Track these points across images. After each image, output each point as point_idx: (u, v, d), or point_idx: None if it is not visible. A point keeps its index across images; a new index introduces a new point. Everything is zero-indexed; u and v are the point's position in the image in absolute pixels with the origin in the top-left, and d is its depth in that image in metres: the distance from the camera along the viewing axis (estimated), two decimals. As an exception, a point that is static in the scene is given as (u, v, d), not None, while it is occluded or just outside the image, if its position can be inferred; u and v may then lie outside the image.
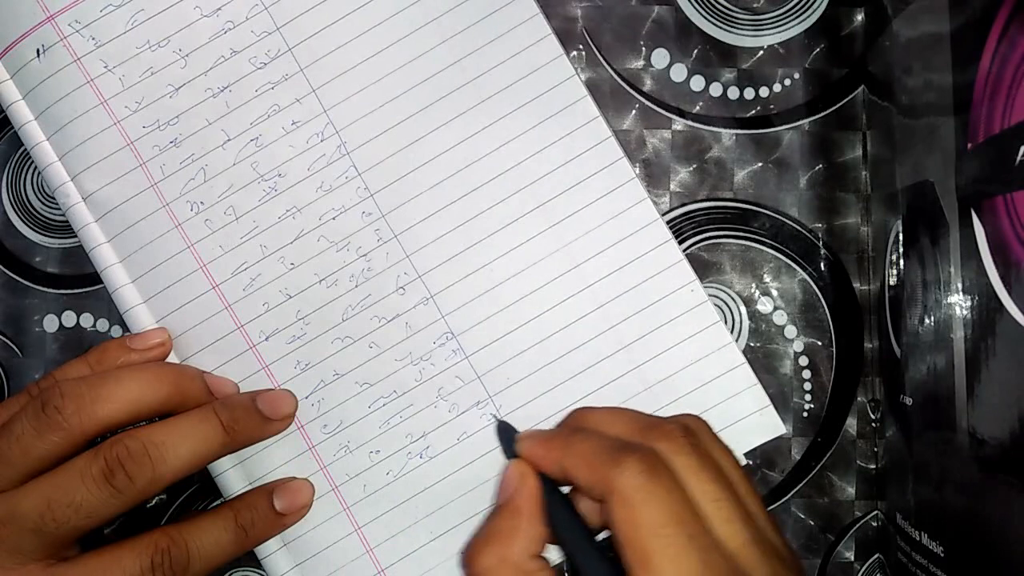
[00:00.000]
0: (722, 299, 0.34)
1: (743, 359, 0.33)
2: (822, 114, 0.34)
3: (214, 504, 0.34)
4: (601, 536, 0.28)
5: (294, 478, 0.33)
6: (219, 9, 0.32)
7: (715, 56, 0.34)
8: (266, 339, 0.33)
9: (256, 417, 0.31)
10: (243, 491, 0.32)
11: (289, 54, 0.32)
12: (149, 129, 0.32)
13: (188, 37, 0.32)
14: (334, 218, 0.32)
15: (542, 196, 0.32)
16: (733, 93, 0.34)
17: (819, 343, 0.34)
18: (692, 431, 0.27)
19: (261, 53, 0.32)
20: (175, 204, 0.32)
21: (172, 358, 0.33)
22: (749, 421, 0.33)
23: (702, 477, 0.25)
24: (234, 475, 0.33)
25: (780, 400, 0.34)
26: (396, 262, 0.33)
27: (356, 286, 0.33)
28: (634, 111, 0.34)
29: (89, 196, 0.32)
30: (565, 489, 0.28)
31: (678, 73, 0.34)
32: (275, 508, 0.31)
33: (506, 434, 0.31)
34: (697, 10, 0.34)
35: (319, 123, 0.32)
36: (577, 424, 0.29)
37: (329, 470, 0.33)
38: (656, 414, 0.32)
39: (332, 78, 0.32)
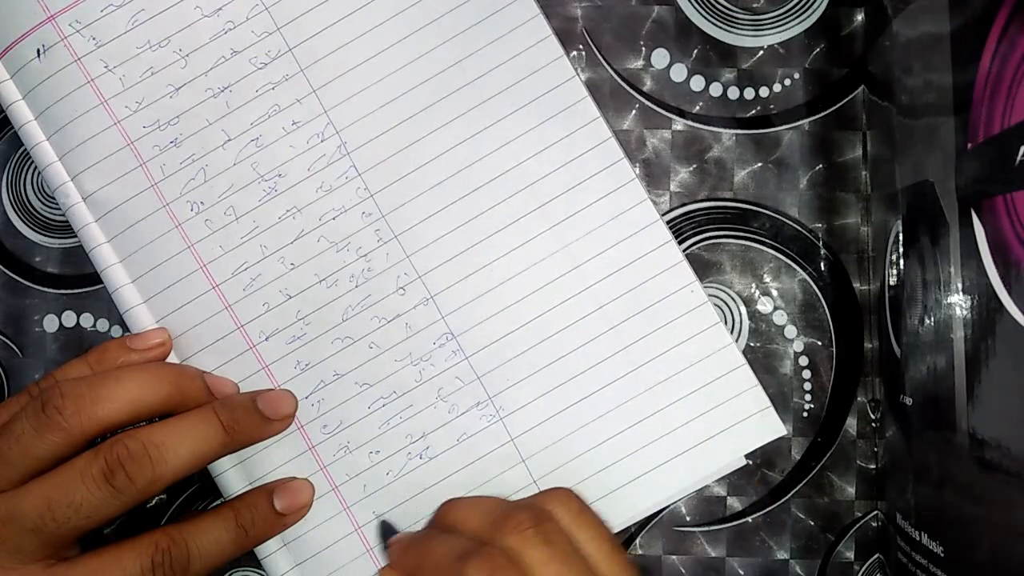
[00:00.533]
0: (722, 299, 0.34)
1: (743, 360, 0.33)
2: (822, 114, 0.34)
3: (214, 504, 0.34)
4: None
5: (294, 478, 0.33)
6: (219, 9, 0.32)
7: (715, 56, 0.34)
8: (266, 339, 0.33)
9: (256, 417, 0.31)
10: (243, 491, 0.32)
11: (289, 54, 0.32)
12: (149, 129, 0.32)
13: (188, 37, 0.32)
14: (334, 218, 0.32)
15: (542, 197, 0.32)
16: (733, 93, 0.34)
17: (819, 343, 0.34)
18: (546, 516, 0.27)
19: (261, 53, 0.32)
20: (175, 204, 0.32)
21: (172, 358, 0.33)
22: (750, 422, 0.33)
23: (550, 571, 0.25)
24: (234, 475, 0.33)
25: (780, 400, 0.34)
26: (396, 262, 0.33)
27: (356, 286, 0.33)
28: (634, 111, 0.34)
29: (89, 196, 0.32)
30: None
31: (678, 73, 0.34)
32: (275, 508, 0.31)
33: (384, 537, 0.32)
34: (697, 10, 0.34)
35: (319, 123, 0.32)
36: (441, 521, 0.30)
37: (329, 470, 0.33)
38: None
39: (332, 79, 0.32)
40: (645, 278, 0.32)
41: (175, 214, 0.32)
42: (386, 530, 0.32)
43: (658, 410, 0.32)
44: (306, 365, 0.33)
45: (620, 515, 0.33)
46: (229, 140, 0.32)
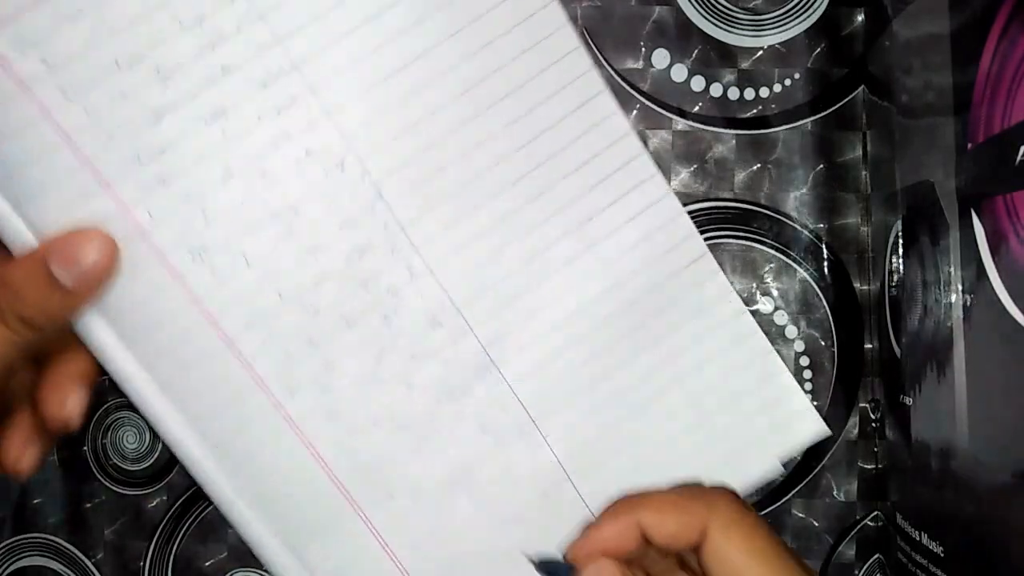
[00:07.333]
0: (722, 299, 0.34)
1: (784, 367, 0.32)
2: (822, 114, 0.34)
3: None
4: None
5: (80, 230, 0.26)
6: (202, 19, 0.26)
7: (715, 56, 0.34)
8: (291, 395, 0.29)
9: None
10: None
11: (294, 72, 0.27)
12: (127, 166, 0.26)
13: (166, 54, 0.26)
14: (360, 256, 0.29)
15: (579, 217, 0.30)
16: (733, 93, 0.34)
17: (820, 343, 0.34)
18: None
19: (259, 71, 0.27)
20: (172, 253, 0.27)
21: (182, 424, 0.29)
22: (790, 428, 0.32)
23: (760, 520, 0.26)
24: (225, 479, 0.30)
25: (780, 400, 0.34)
26: (429, 296, 0.30)
27: (388, 326, 0.30)
28: (634, 111, 0.34)
29: None
30: None
31: (678, 73, 0.34)
32: (55, 279, 0.24)
33: (555, 565, 0.27)
34: (697, 10, 0.34)
35: (336, 151, 0.28)
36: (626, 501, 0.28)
37: (371, 520, 0.31)
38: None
39: (345, 99, 0.28)
40: (682, 288, 0.31)
41: (172, 264, 0.27)
42: (546, 562, 0.28)
43: (700, 420, 0.32)
44: (338, 414, 0.30)
45: None
46: (231, 176, 0.27)
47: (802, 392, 0.32)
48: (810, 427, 0.32)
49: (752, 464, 0.32)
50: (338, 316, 0.29)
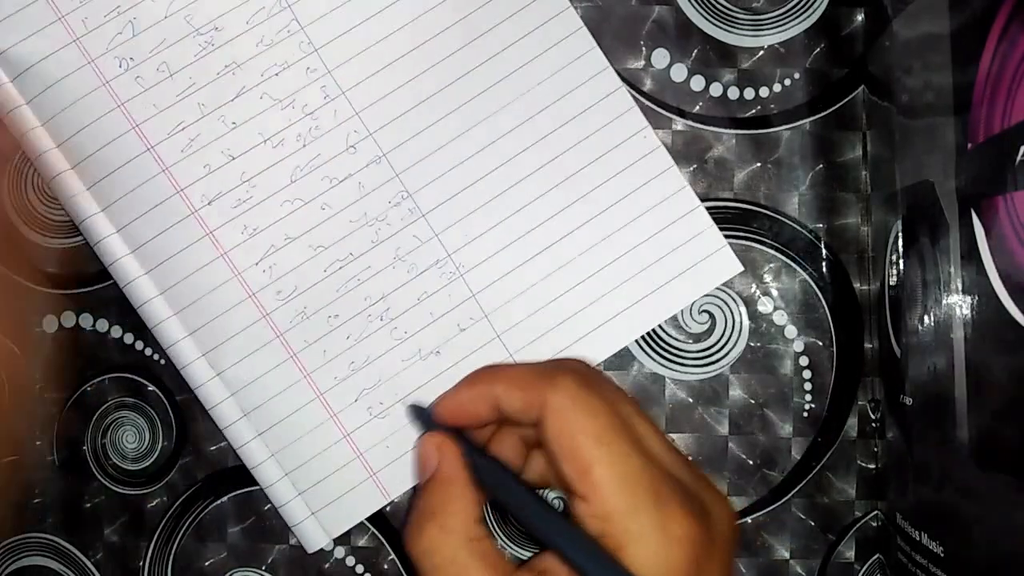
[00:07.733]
0: (722, 299, 0.34)
1: (698, 202, 0.33)
2: (822, 114, 0.34)
3: (216, 502, 0.34)
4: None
5: None
6: None
7: (715, 56, 0.34)
8: (208, 203, 0.31)
9: None
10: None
11: None
12: None
13: None
14: (277, 74, 0.31)
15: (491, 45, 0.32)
16: (733, 93, 0.34)
17: (819, 343, 0.34)
18: (589, 366, 0.28)
19: None
20: (101, 60, 0.30)
21: (105, 223, 0.31)
22: (706, 263, 0.33)
23: (618, 395, 0.26)
24: (175, 326, 0.32)
25: (780, 400, 0.34)
26: (345, 120, 0.32)
27: (304, 145, 0.31)
28: (634, 111, 0.34)
29: (1, 53, 0.30)
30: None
31: (678, 73, 0.34)
32: None
33: (420, 412, 0.29)
34: (697, 10, 0.34)
35: None
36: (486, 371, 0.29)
37: (286, 337, 0.32)
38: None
39: None
40: (598, 126, 0.32)
41: (101, 71, 0.30)
42: (416, 409, 0.29)
43: (616, 258, 0.32)
44: (254, 230, 0.31)
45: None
46: None
47: (716, 227, 0.33)
48: (724, 262, 0.33)
49: (668, 299, 0.33)
50: (255, 131, 0.31)
